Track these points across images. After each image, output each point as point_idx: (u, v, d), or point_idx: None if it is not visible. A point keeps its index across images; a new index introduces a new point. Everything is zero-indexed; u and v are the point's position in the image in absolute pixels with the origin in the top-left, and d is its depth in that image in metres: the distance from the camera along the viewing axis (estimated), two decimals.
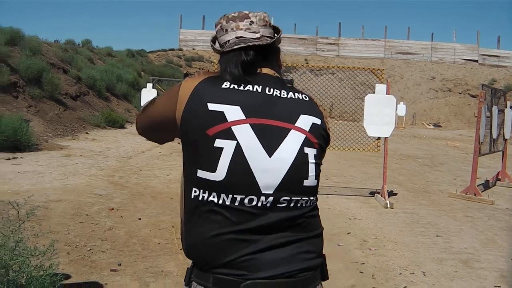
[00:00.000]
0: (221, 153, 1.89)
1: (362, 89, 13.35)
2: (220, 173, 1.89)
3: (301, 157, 1.97)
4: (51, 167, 11.63)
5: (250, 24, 2.09)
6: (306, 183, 1.99)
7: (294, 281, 1.92)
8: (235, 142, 1.89)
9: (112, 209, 8.26)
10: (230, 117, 1.92)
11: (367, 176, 13.01)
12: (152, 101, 2.16)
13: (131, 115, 26.13)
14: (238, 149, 1.89)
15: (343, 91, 12.62)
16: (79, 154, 13.94)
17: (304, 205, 1.99)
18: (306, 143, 2.00)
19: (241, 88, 2.00)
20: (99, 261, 5.90)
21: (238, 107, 1.94)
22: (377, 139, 10.62)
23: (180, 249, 6.38)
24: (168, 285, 5.33)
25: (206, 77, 2.02)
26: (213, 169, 1.89)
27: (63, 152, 14.30)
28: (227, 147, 1.89)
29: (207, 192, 1.91)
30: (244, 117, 1.93)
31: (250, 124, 1.93)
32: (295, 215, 1.97)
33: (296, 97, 2.07)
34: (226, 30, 2.10)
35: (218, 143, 1.90)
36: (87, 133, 19.00)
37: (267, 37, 2.11)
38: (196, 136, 1.93)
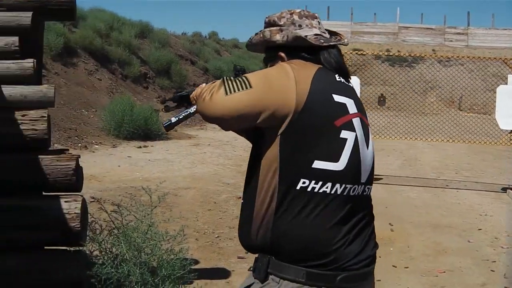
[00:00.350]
0: (345, 144, 1.94)
1: (493, 81, 12.68)
2: (341, 163, 1.93)
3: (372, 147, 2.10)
4: (180, 155, 11.96)
5: (319, 24, 2.15)
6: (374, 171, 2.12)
7: (370, 270, 2.03)
8: (354, 134, 1.97)
9: (240, 197, 8.30)
10: (350, 110, 1.99)
11: (499, 171, 12.29)
12: (241, 84, 1.95)
13: None
14: (355, 141, 1.97)
15: (473, 83, 12.04)
16: (207, 143, 14.26)
17: (369, 193, 2.10)
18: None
19: (346, 82, 2.08)
20: (227, 248, 5.97)
21: (352, 101, 2.02)
22: (510, 132, 10.05)
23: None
24: None
25: (319, 67, 2.03)
26: (336, 159, 1.92)
27: (191, 141, 14.68)
28: (350, 138, 1.95)
29: (320, 182, 1.91)
30: (356, 111, 2.02)
31: (359, 118, 2.02)
32: (370, 204, 2.11)
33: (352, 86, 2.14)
34: (300, 26, 2.11)
35: (344, 134, 1.94)
36: None
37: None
38: (321, 126, 1.92)
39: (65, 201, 3.43)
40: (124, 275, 3.51)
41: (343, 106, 1.98)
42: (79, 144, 12.18)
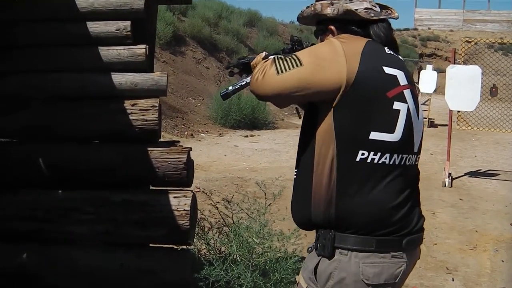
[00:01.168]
0: (398, 114, 2.00)
1: None
2: (397, 134, 1.99)
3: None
4: (287, 145, 11.73)
5: None
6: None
7: (422, 235, 2.16)
8: (406, 105, 2.03)
9: None
10: (401, 82, 2.04)
11: None
12: (292, 63, 2.00)
13: None
14: (408, 112, 2.03)
15: None
16: None
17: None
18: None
19: (395, 55, 2.12)
20: None
21: (402, 73, 2.07)
22: None
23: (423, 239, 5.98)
24: (411, 278, 4.91)
25: (368, 40, 2.08)
26: (392, 130, 1.99)
27: (298, 131, 14.30)
28: (402, 109, 2.01)
29: (379, 153, 1.97)
30: (406, 82, 2.07)
31: (410, 89, 2.08)
32: (418, 172, 2.20)
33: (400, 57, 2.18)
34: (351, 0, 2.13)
35: (396, 105, 2.00)
36: None
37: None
38: (374, 98, 1.98)
39: (174, 197, 3.22)
40: (234, 277, 3.28)
41: (394, 78, 2.03)
42: (186, 133, 12.20)
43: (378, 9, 2.16)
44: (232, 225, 3.62)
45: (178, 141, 3.37)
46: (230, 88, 2.35)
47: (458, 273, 5.11)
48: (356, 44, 2.03)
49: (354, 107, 1.97)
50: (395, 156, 2.01)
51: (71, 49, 3.41)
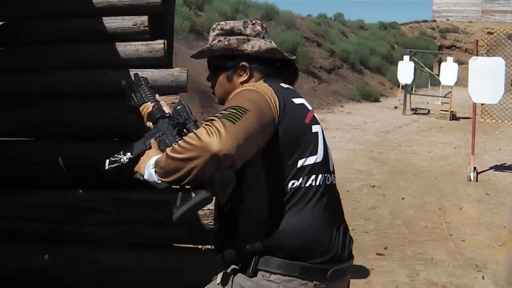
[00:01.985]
0: (318, 136, 2.06)
1: None
2: (319, 155, 2.03)
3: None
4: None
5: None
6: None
7: (351, 264, 2.13)
8: (319, 126, 2.09)
9: (374, 186, 7.87)
10: (309, 107, 2.11)
11: None
12: (239, 112, 1.84)
13: (385, 89, 25.53)
14: (322, 132, 2.10)
15: None
16: (336, 127, 13.79)
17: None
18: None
19: (290, 86, 2.16)
20: (363, 242, 5.62)
21: (303, 99, 2.14)
22: None
23: (450, 235, 5.90)
24: (440, 276, 4.79)
25: (265, 79, 2.12)
26: (315, 152, 2.03)
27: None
28: (318, 131, 2.07)
29: (306, 177, 1.99)
30: (310, 108, 2.12)
31: (314, 113, 2.12)
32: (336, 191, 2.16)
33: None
34: (264, 37, 2.17)
35: (314, 128, 2.06)
36: (342, 106, 18.87)
37: None
38: (298, 129, 2.01)
39: None
40: None
41: (303, 105, 2.09)
42: None
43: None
44: None
45: None
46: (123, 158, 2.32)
47: (487, 271, 4.97)
48: (263, 85, 2.04)
49: (282, 143, 1.97)
50: (320, 176, 2.03)
51: (88, 45, 3.33)
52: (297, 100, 2.08)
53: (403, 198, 7.34)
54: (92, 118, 3.28)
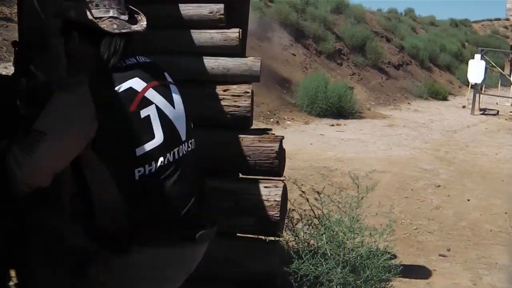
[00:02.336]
0: (150, 119, 2.00)
1: None
2: (158, 137, 2.00)
3: (183, 103, 2.18)
4: (374, 136, 11.49)
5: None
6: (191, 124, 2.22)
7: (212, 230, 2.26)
8: (154, 105, 2.02)
9: (439, 186, 7.72)
10: (138, 88, 1.99)
11: None
12: (32, 140, 1.88)
13: (453, 87, 24.95)
14: (159, 110, 2.03)
15: None
16: (402, 124, 13.60)
17: (194, 146, 2.21)
18: (178, 91, 2.20)
19: (122, 63, 2.04)
20: (426, 243, 5.51)
21: (137, 78, 2.01)
22: None
23: None
24: (504, 282, 4.67)
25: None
26: (151, 137, 1.99)
27: (385, 121, 14.10)
28: (152, 112, 2.00)
29: (153, 162, 1.99)
30: (145, 83, 2.02)
31: (153, 86, 2.05)
32: (197, 156, 2.23)
33: (148, 61, 2.15)
34: (97, 5, 2.03)
35: (144, 112, 1.98)
36: (409, 103, 18.56)
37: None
38: (121, 119, 1.94)
39: (265, 187, 3.14)
40: (323, 273, 3.16)
41: (130, 89, 1.97)
42: (271, 119, 12.14)
43: (125, 16, 2.08)
44: (321, 217, 3.50)
45: (270, 129, 3.28)
46: None
47: None
48: (82, 82, 1.92)
49: (109, 138, 1.93)
50: (168, 155, 2.04)
51: (163, 32, 3.35)
52: (121, 86, 1.96)
53: (468, 200, 7.16)
54: None
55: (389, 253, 3.47)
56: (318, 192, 3.69)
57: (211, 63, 3.24)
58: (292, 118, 12.84)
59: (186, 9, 3.33)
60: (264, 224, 3.15)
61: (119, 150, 1.95)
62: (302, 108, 13.61)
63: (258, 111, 12.25)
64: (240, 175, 3.35)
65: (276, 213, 3.08)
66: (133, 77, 2.01)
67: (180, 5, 3.34)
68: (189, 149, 2.16)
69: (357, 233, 3.38)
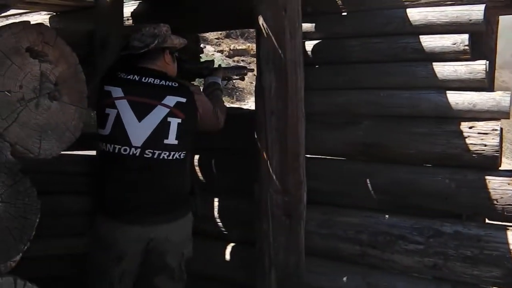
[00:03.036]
0: (108, 117, 2.91)
1: None
2: (106, 129, 2.92)
3: (163, 123, 2.92)
4: None
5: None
6: (166, 141, 2.92)
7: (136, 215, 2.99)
8: (116, 110, 2.91)
9: None
10: (114, 95, 2.94)
11: None
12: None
13: None
14: (117, 115, 2.90)
15: None
16: None
17: (165, 157, 2.93)
18: (170, 114, 2.94)
19: (127, 76, 3.00)
20: None
21: (119, 89, 2.95)
22: None
23: None
24: None
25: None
26: (103, 127, 2.93)
27: None
28: (111, 113, 2.91)
29: (103, 143, 2.95)
30: (122, 95, 2.93)
31: (127, 100, 2.93)
32: (153, 163, 2.92)
33: (166, 84, 3.00)
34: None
35: (107, 110, 2.93)
36: None
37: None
38: (97, 106, 2.97)
39: None
40: None
41: (108, 92, 2.94)
42: None
43: (146, 40, 3.03)
44: None
45: None
46: None
47: None
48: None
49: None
50: (109, 145, 2.91)
51: (404, 65, 3.23)
52: (107, 87, 2.98)
53: None
54: (409, 141, 3.16)
55: None
56: None
57: (455, 98, 3.02)
58: None
59: (428, 41, 3.16)
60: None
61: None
62: None
63: (511, 148, 11.32)
64: (486, 221, 3.06)
65: None
66: (116, 86, 2.95)
67: (421, 36, 3.18)
68: (145, 156, 2.88)
69: None
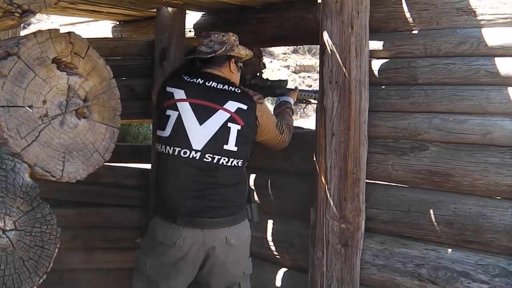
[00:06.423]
0: (168, 118, 2.98)
1: None
2: (166, 131, 2.98)
3: (224, 128, 2.94)
4: None
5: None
6: (225, 147, 2.94)
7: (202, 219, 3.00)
8: (177, 112, 2.97)
9: None
10: (176, 96, 3.00)
11: None
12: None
13: None
14: (179, 117, 2.96)
15: None
16: None
17: (225, 163, 2.96)
18: (230, 120, 2.96)
19: (191, 80, 3.08)
20: None
21: (182, 91, 3.02)
22: None
23: None
24: None
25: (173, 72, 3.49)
26: (163, 128, 3.01)
27: None
28: (173, 115, 2.97)
29: (159, 145, 3.05)
30: (184, 97, 2.99)
31: (189, 102, 2.98)
32: (213, 168, 2.96)
33: (229, 89, 3.04)
34: None
35: (168, 112, 3.00)
36: None
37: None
38: (157, 108, 3.18)
39: None
40: None
41: (171, 94, 3.03)
42: None
43: (213, 46, 3.09)
44: None
45: None
46: None
47: None
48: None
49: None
50: (168, 147, 2.97)
51: (477, 88, 3.01)
52: (169, 89, 3.09)
53: None
54: (479, 171, 2.94)
55: None
56: None
57: None
58: None
59: (503, 64, 2.94)
60: None
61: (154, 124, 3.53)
62: None
63: None
64: None
65: None
66: (179, 88, 3.03)
67: (496, 59, 2.96)
68: (205, 160, 2.93)
69: None
